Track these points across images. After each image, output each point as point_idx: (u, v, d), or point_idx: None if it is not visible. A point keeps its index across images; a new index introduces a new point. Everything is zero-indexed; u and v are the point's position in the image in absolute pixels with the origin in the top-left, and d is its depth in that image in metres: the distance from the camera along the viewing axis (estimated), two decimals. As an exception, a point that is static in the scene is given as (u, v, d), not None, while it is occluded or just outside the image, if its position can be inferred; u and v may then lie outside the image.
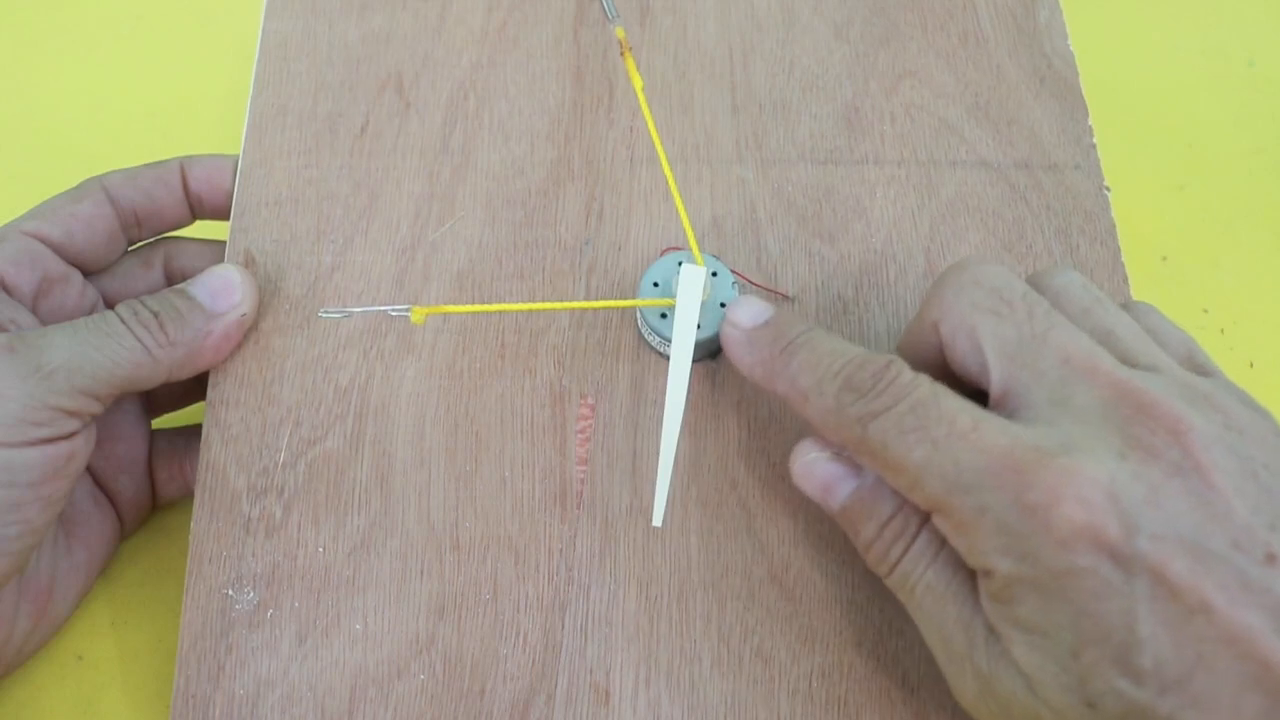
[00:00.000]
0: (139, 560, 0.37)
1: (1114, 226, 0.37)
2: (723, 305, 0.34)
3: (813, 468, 0.29)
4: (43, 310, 0.34)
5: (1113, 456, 0.24)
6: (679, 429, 0.31)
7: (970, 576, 0.26)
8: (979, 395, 0.27)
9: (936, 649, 0.28)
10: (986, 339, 0.27)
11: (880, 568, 0.29)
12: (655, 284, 0.35)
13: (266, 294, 0.36)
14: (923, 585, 0.27)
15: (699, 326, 0.33)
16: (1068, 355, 0.26)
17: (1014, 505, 0.24)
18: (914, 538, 0.27)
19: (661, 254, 0.36)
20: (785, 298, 0.36)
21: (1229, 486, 0.24)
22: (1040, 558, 0.24)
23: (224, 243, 0.37)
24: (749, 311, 0.31)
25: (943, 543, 0.27)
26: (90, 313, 0.36)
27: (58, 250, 0.35)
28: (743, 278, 0.36)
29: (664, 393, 0.32)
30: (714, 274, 0.34)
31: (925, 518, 0.27)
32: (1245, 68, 0.48)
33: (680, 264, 0.33)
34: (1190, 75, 0.48)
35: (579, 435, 0.34)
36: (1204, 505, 0.24)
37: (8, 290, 0.33)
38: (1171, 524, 0.23)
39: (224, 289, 0.34)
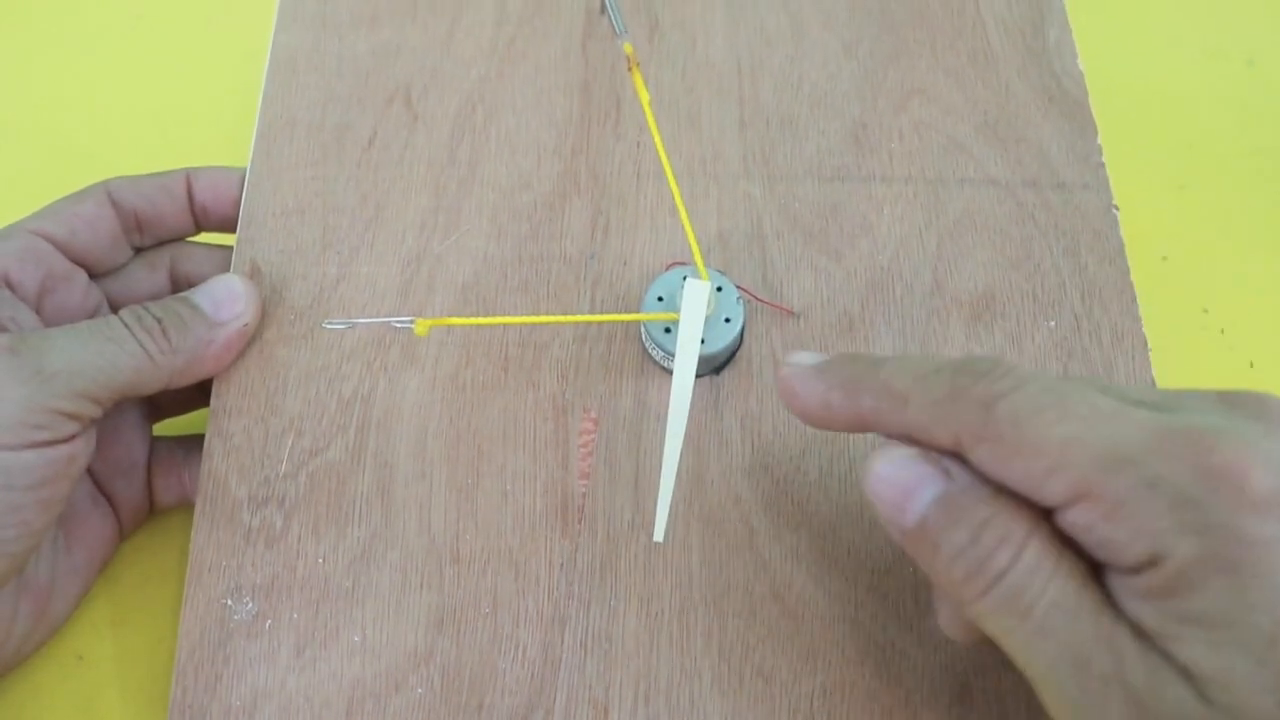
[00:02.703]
0: (139, 561, 0.37)
1: (1123, 246, 0.37)
2: (727, 320, 0.34)
3: (892, 469, 0.25)
4: (47, 308, 0.35)
5: (1264, 435, 0.22)
6: (681, 444, 0.31)
7: (1098, 584, 0.23)
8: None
9: (1064, 682, 0.23)
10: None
11: (972, 585, 0.24)
12: (660, 298, 0.35)
13: (271, 304, 0.36)
14: (1046, 602, 0.23)
15: (703, 341, 0.33)
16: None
17: (1195, 473, 0.21)
18: (1024, 543, 0.23)
19: (666, 268, 0.36)
20: (790, 314, 0.36)
21: None
22: (1231, 529, 0.21)
23: (230, 249, 0.38)
24: (809, 354, 0.29)
25: (1062, 549, 0.23)
26: (94, 314, 0.36)
27: (62, 249, 0.35)
28: (748, 293, 0.35)
29: (667, 407, 0.31)
30: (719, 289, 0.34)
31: (1035, 521, 0.24)
32: (1245, 68, 0.48)
33: (685, 279, 0.33)
34: (1190, 75, 0.48)
35: (581, 449, 0.34)
36: None
37: (12, 287, 0.34)
38: None
39: (228, 298, 0.34)
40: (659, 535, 0.31)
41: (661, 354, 0.34)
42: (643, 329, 0.35)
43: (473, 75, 0.40)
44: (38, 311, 0.34)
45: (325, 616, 0.32)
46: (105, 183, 0.36)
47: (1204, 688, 0.21)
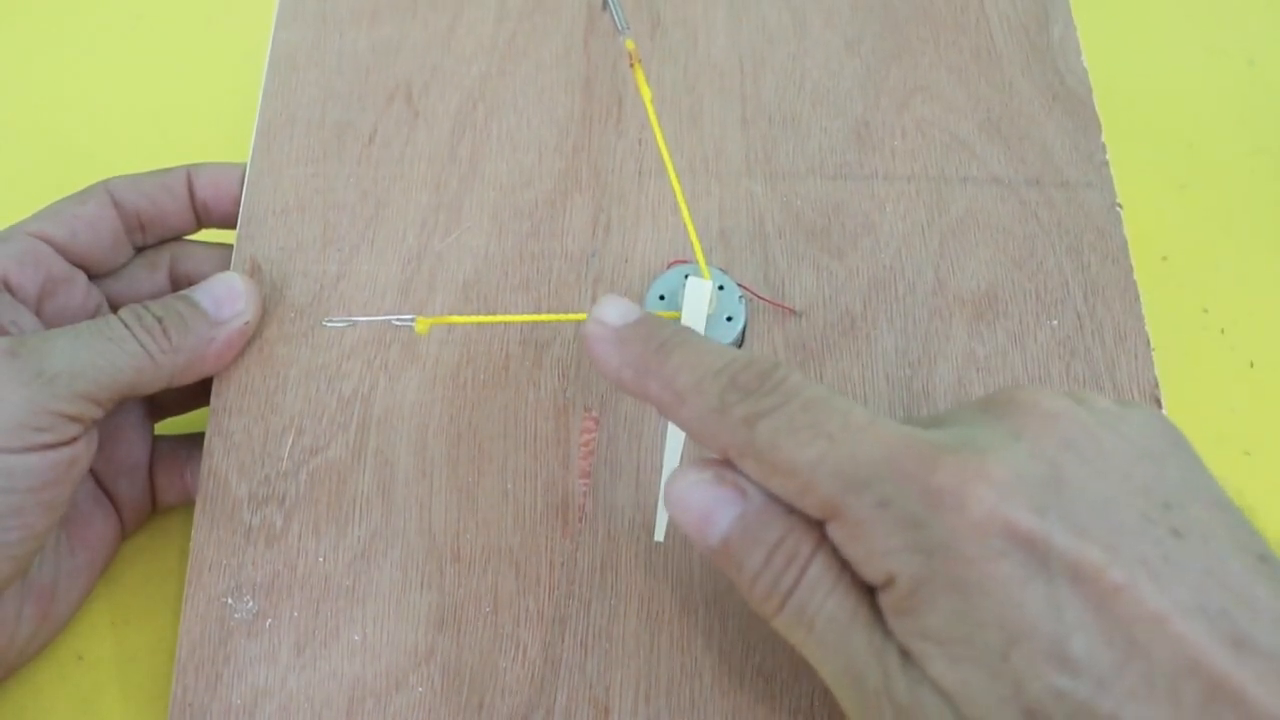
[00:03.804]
0: (139, 561, 0.37)
1: (1126, 245, 0.37)
2: (729, 319, 0.34)
3: (690, 493, 0.26)
4: (47, 311, 0.35)
5: (1007, 440, 0.23)
6: (683, 443, 0.31)
7: (873, 599, 0.24)
8: None
9: (845, 693, 0.24)
10: None
11: (769, 604, 0.25)
12: (661, 297, 0.34)
13: (271, 302, 0.36)
14: (824, 616, 0.24)
15: (704, 340, 0.32)
16: None
17: (920, 494, 0.22)
18: (808, 561, 0.24)
19: (668, 266, 0.36)
20: (792, 313, 0.36)
21: (1122, 457, 0.23)
22: (953, 549, 0.22)
23: (230, 246, 0.37)
24: (618, 309, 0.28)
25: (842, 566, 0.24)
26: (95, 314, 0.36)
27: (62, 251, 0.35)
28: (749, 291, 0.35)
29: (668, 407, 0.31)
30: (720, 287, 0.34)
31: (819, 540, 0.24)
32: (1245, 67, 0.48)
33: (687, 277, 0.33)
34: (1190, 75, 0.48)
35: (582, 448, 0.34)
36: (1102, 475, 0.23)
37: (11, 290, 0.33)
38: (1079, 497, 0.22)
39: (228, 296, 0.34)
40: (660, 535, 0.31)
41: (663, 353, 0.34)
42: (644, 328, 0.35)
43: (474, 72, 0.40)
44: (38, 314, 0.34)
45: (326, 615, 0.32)
46: (106, 182, 0.36)
47: (953, 702, 0.22)
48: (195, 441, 0.36)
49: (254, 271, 0.37)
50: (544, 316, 0.34)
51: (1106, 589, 0.21)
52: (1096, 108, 0.39)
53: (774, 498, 0.25)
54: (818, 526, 0.24)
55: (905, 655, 0.23)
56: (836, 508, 0.23)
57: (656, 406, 0.27)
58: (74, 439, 0.31)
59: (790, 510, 0.25)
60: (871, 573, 0.23)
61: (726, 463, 0.26)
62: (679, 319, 0.32)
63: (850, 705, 0.24)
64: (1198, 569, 0.22)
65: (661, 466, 0.31)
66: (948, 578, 0.22)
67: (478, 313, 0.36)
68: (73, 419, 0.30)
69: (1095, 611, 0.21)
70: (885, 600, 0.23)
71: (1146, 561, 0.21)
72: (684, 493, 0.26)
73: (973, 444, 0.23)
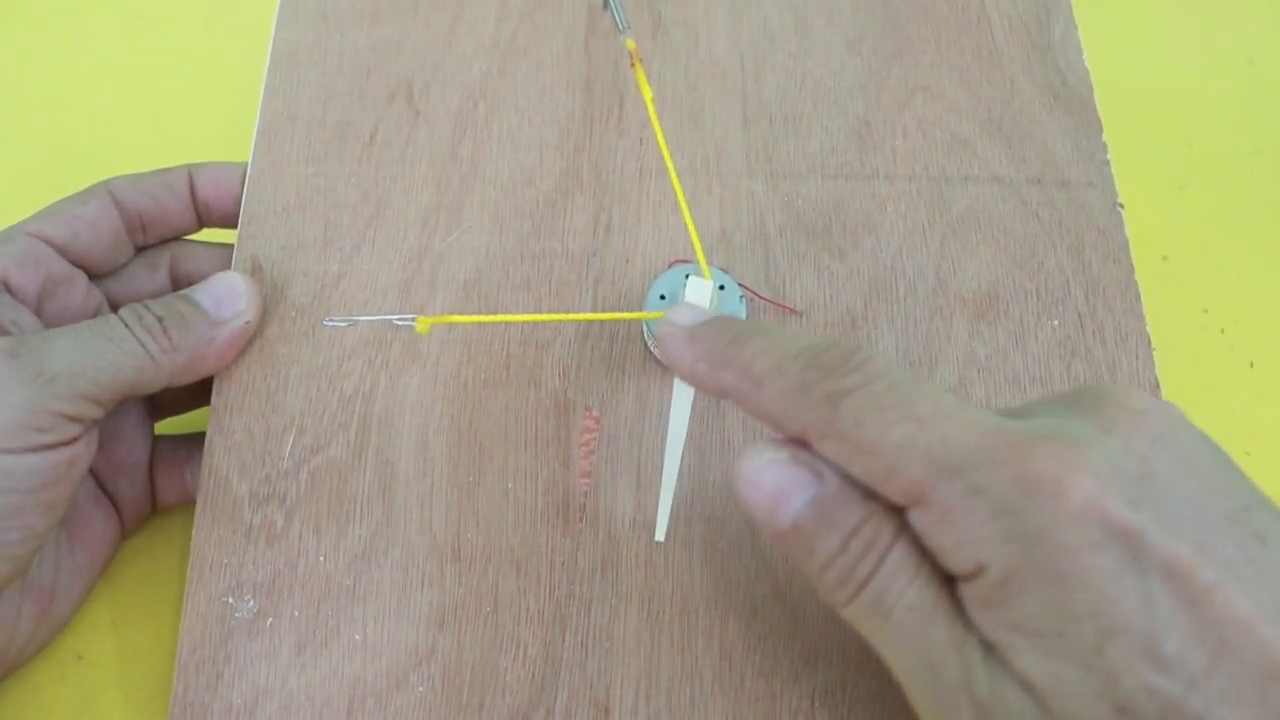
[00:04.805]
0: (139, 560, 0.37)
1: (1127, 244, 0.37)
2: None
3: (764, 472, 0.25)
4: (47, 311, 0.34)
5: (1099, 434, 0.22)
6: (683, 443, 0.31)
7: (953, 591, 0.23)
8: None
9: (919, 687, 0.23)
10: None
11: (841, 591, 0.24)
12: (662, 296, 0.34)
13: (272, 301, 0.36)
14: (903, 605, 0.23)
15: (705, 340, 0.32)
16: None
17: (1015, 481, 0.22)
18: (888, 548, 0.23)
19: (669, 266, 0.36)
20: (793, 313, 0.36)
21: (1203, 459, 0.23)
22: (1049, 538, 0.21)
23: (231, 246, 0.37)
24: (689, 313, 0.28)
25: (923, 555, 0.23)
26: (95, 315, 0.36)
27: (62, 252, 0.35)
28: (750, 291, 0.35)
29: (669, 406, 0.31)
30: (721, 287, 0.34)
31: (900, 527, 0.24)
32: (1245, 68, 0.48)
33: (687, 276, 0.33)
34: (1190, 75, 0.48)
35: (583, 448, 0.34)
36: (1190, 475, 0.22)
37: (11, 291, 0.33)
38: (1170, 495, 0.22)
39: (229, 296, 0.34)
40: (660, 534, 0.31)
41: (663, 352, 0.34)
42: (645, 327, 0.35)
43: (475, 71, 0.40)
44: (38, 314, 0.34)
45: (326, 614, 0.32)
46: (107, 182, 0.36)
47: (1040, 697, 0.21)
48: (195, 441, 0.36)
49: (255, 271, 0.37)
50: (545, 316, 0.34)
51: (1198, 589, 0.21)
52: (1098, 107, 0.39)
53: (852, 482, 0.24)
54: (898, 513, 0.24)
55: (988, 649, 0.22)
56: (924, 493, 0.22)
57: (733, 396, 0.26)
58: (74, 439, 0.31)
59: (869, 496, 0.24)
60: (959, 562, 0.22)
61: (802, 444, 0.25)
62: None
63: (923, 699, 0.23)
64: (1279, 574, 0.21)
65: (662, 466, 0.31)
66: (1043, 567, 0.21)
67: (478, 312, 0.36)
68: (73, 419, 0.30)
69: (1187, 610, 0.21)
70: (970, 591, 0.22)
71: (1233, 564, 0.21)
72: (757, 472, 0.25)
73: (1066, 435, 0.22)
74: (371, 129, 0.39)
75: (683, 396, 0.31)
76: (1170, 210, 0.44)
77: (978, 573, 0.22)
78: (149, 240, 0.38)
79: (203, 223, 0.38)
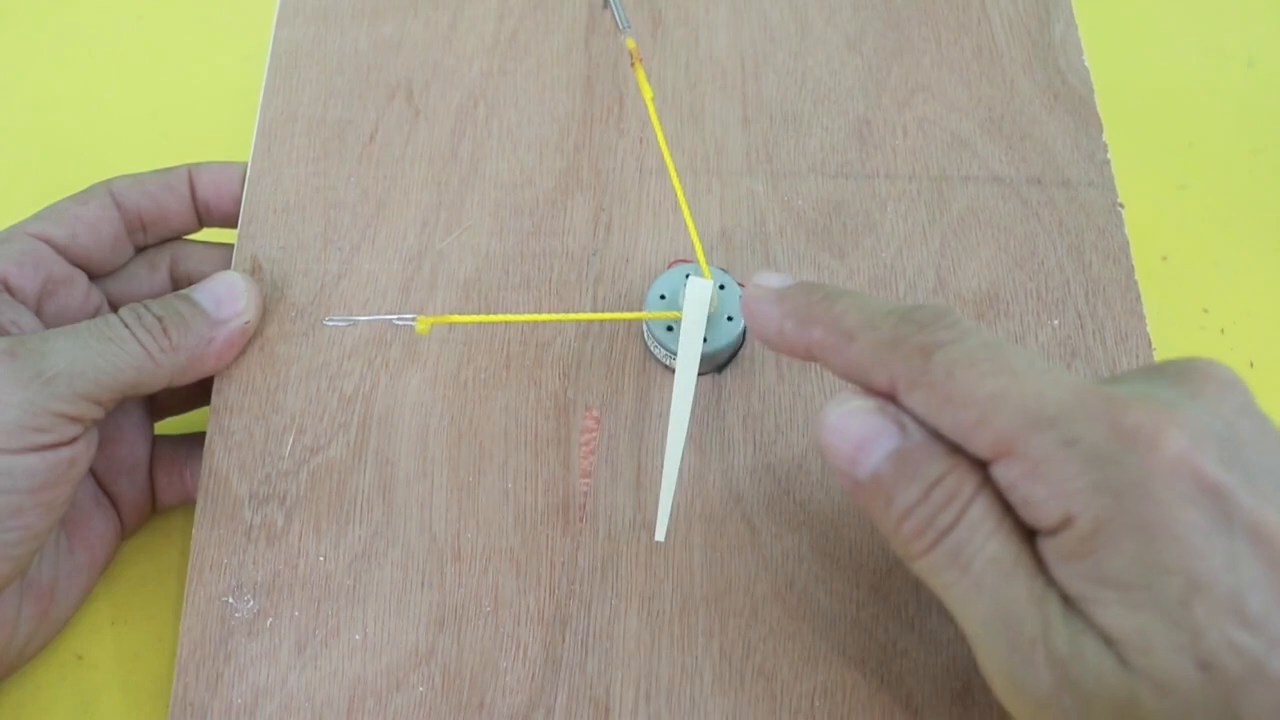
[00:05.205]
0: (139, 560, 0.37)
1: (1127, 244, 0.37)
2: (730, 319, 0.34)
3: (849, 420, 0.25)
4: (47, 312, 0.34)
5: (1186, 399, 0.23)
6: (684, 443, 0.31)
7: (1033, 546, 0.23)
8: None
9: (993, 641, 0.23)
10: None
11: (919, 541, 0.24)
12: (662, 296, 0.34)
13: (272, 300, 0.36)
14: (984, 558, 0.23)
15: (705, 340, 0.32)
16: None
17: (1110, 432, 0.22)
18: (970, 500, 0.23)
19: (669, 266, 0.36)
20: (793, 312, 0.36)
21: (1272, 429, 0.23)
22: (1143, 489, 0.21)
23: (230, 246, 0.37)
24: (776, 276, 0.29)
25: (1004, 509, 0.23)
26: (95, 315, 0.36)
27: (62, 252, 0.35)
28: (750, 291, 0.35)
29: (669, 406, 0.31)
30: (721, 287, 0.34)
31: (982, 480, 0.24)
32: (1245, 67, 0.48)
33: (688, 276, 0.33)
34: (1190, 75, 0.48)
35: (583, 448, 0.34)
36: (1270, 440, 0.23)
37: (11, 291, 0.33)
38: (1257, 461, 0.22)
39: (229, 295, 0.34)
40: (660, 534, 0.31)
41: (664, 352, 0.34)
42: (645, 327, 0.35)
43: (474, 70, 0.40)
44: (38, 315, 0.34)
45: (326, 614, 0.32)
46: (108, 182, 0.36)
47: (1122, 651, 0.21)
48: (195, 441, 0.36)
49: (255, 271, 0.37)
50: (545, 316, 0.34)
51: (1277, 554, 0.21)
52: (1098, 107, 0.39)
53: (936, 437, 0.24)
54: (980, 468, 0.24)
55: (1068, 604, 0.22)
56: (1013, 444, 0.23)
57: (820, 353, 0.27)
58: (74, 439, 0.30)
59: (953, 450, 0.24)
60: (1046, 514, 0.22)
61: (888, 398, 0.25)
62: (679, 319, 0.33)
63: (996, 656, 0.23)
64: None
65: (662, 466, 0.31)
66: (1134, 519, 0.21)
67: (479, 312, 0.36)
68: (73, 419, 0.30)
69: (1273, 574, 0.21)
70: (1054, 545, 0.22)
71: None
72: (842, 419, 0.25)
73: (1156, 396, 0.23)
74: (371, 128, 0.39)
75: (684, 396, 0.31)
76: (1170, 210, 0.44)
77: (1065, 525, 0.22)
78: (149, 240, 0.38)
79: (203, 223, 0.38)
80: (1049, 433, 0.22)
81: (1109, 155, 0.38)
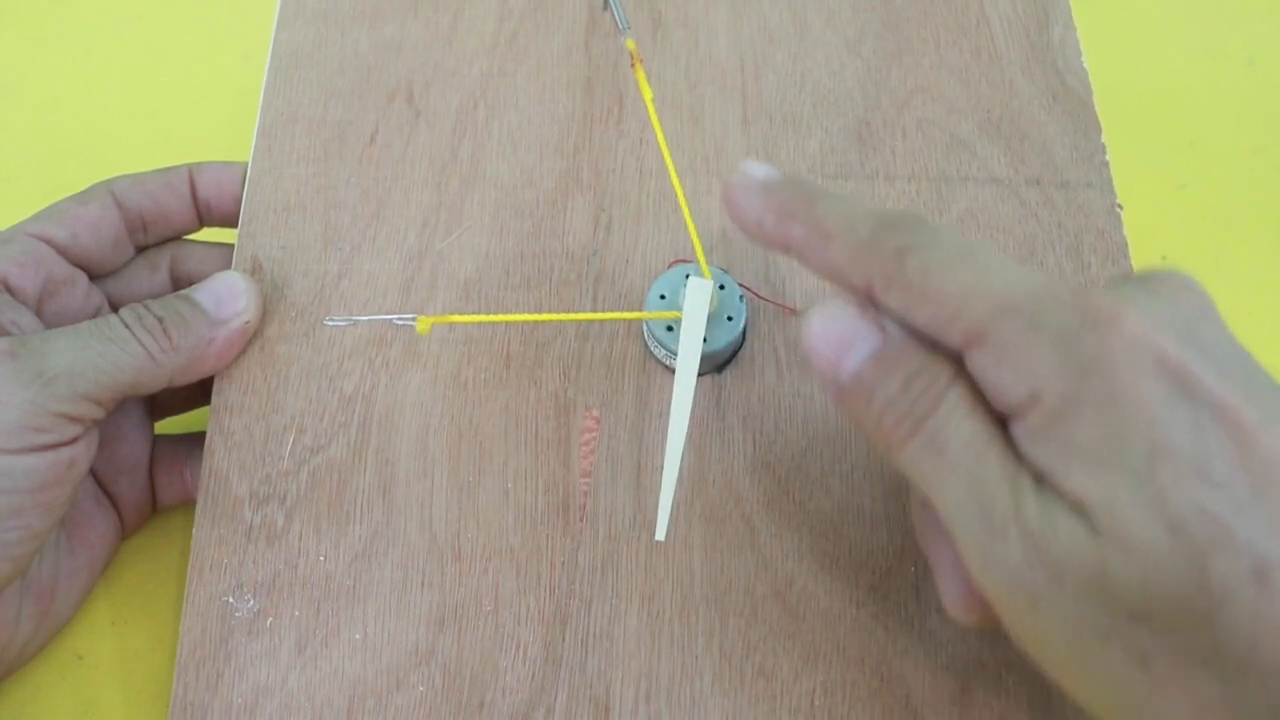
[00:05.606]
0: (139, 560, 0.37)
1: (1126, 245, 0.37)
2: (730, 319, 0.34)
3: (832, 323, 0.26)
4: (48, 312, 0.34)
5: (1146, 295, 0.24)
6: (683, 443, 0.31)
7: (1005, 431, 0.24)
8: None
9: (968, 522, 0.24)
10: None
11: (899, 430, 0.25)
12: (662, 296, 0.34)
13: (273, 301, 0.36)
14: (959, 440, 0.24)
15: (705, 340, 0.32)
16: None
17: (1075, 316, 0.23)
18: (946, 388, 0.25)
19: (669, 266, 0.36)
20: (793, 312, 0.36)
21: (1234, 339, 0.24)
22: (1106, 363, 0.22)
23: (231, 246, 0.37)
24: (763, 168, 0.29)
25: (977, 396, 0.24)
26: (96, 315, 0.36)
27: (63, 252, 0.35)
28: (750, 291, 0.35)
29: (669, 406, 0.31)
30: (721, 287, 0.34)
31: (957, 371, 0.25)
32: (1245, 67, 0.48)
33: (688, 276, 0.33)
34: (1190, 75, 0.48)
35: (583, 447, 0.34)
36: (1229, 340, 0.24)
37: (12, 291, 0.33)
38: (1215, 348, 0.23)
39: (229, 295, 0.34)
40: (660, 534, 0.31)
41: (664, 352, 0.34)
42: (645, 327, 0.35)
43: (475, 71, 0.40)
44: (38, 315, 0.34)
45: (326, 614, 0.32)
46: (109, 182, 0.36)
47: (1092, 516, 0.22)
48: (195, 441, 0.36)
49: (255, 271, 0.37)
50: (545, 316, 0.34)
51: (1245, 428, 0.22)
52: (1096, 108, 0.39)
53: (913, 337, 0.25)
54: (956, 361, 0.25)
55: (1039, 480, 0.23)
56: (984, 332, 0.24)
57: (797, 250, 0.27)
58: (74, 439, 0.31)
59: (929, 348, 0.25)
60: (1015, 395, 0.23)
61: (864, 297, 0.26)
62: (679, 319, 0.33)
63: (970, 535, 0.24)
64: None
65: (662, 467, 0.31)
66: (1098, 392, 0.22)
67: (479, 312, 0.36)
68: (73, 419, 0.30)
69: (1234, 445, 0.22)
70: (1024, 425, 0.23)
71: (1278, 413, 0.22)
72: (826, 322, 0.26)
73: (1120, 290, 0.24)
74: (372, 129, 0.39)
75: (684, 395, 0.31)
76: (1170, 210, 0.44)
77: (1033, 403, 0.23)
78: (150, 240, 0.38)
79: (203, 222, 0.38)
80: (1017, 318, 0.23)
81: (1108, 157, 0.38)
